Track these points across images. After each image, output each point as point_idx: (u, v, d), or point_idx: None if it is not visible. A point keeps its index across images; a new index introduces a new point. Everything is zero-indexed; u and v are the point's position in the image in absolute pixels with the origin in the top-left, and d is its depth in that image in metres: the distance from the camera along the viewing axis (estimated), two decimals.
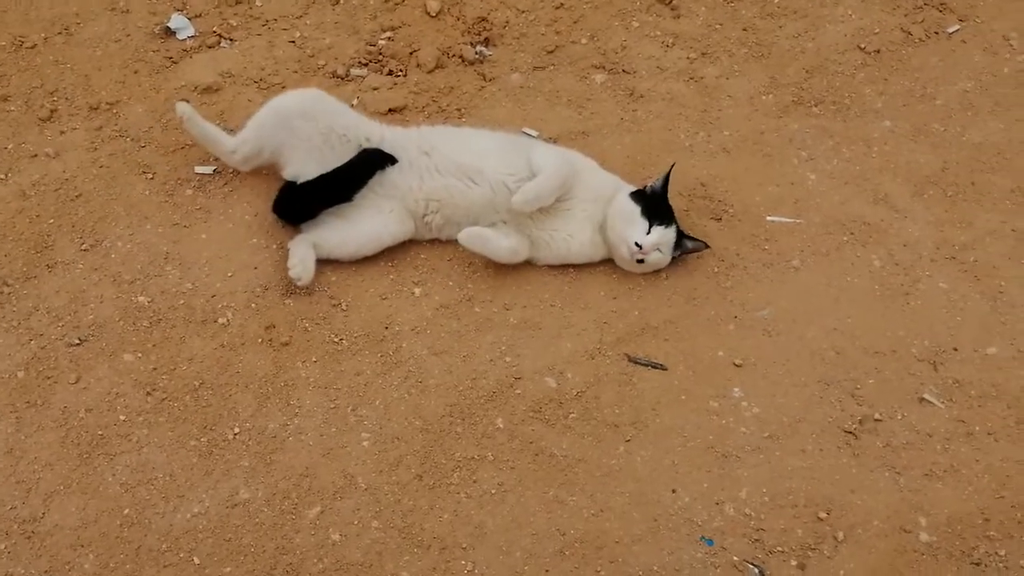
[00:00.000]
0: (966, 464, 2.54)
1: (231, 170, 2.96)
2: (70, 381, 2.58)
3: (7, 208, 2.85)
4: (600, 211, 2.81)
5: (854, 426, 2.59)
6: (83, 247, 2.80)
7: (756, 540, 2.41)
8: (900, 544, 2.41)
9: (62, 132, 3.01)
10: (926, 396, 2.64)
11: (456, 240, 2.79)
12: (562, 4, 3.36)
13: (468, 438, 2.55)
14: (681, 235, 2.80)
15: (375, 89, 3.15)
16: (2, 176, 2.91)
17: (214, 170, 2.96)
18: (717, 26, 3.37)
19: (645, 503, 2.47)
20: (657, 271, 2.83)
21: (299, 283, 2.71)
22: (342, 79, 3.17)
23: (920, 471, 2.52)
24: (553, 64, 3.27)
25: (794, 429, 2.58)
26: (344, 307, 2.74)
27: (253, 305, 2.73)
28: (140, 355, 2.64)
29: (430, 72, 3.20)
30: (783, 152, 3.11)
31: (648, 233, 2.74)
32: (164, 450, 2.50)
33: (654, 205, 2.76)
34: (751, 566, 2.38)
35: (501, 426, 2.57)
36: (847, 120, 3.18)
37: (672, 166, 2.80)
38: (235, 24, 3.26)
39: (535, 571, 2.37)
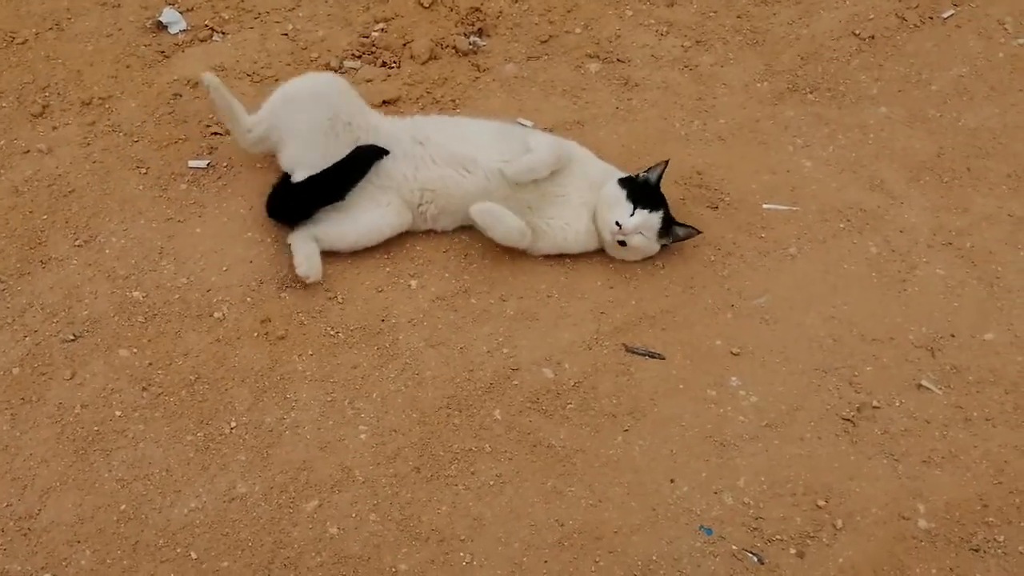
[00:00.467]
0: (964, 450, 2.53)
1: (225, 164, 2.95)
2: (65, 377, 2.57)
3: (0, 205, 2.84)
4: (596, 200, 2.81)
5: (852, 413, 2.58)
6: (77, 243, 2.79)
7: (755, 529, 2.41)
8: (899, 531, 2.41)
9: (54, 128, 3.00)
10: (924, 383, 2.64)
11: (450, 231, 2.79)
12: None
13: (466, 430, 2.54)
14: (671, 222, 2.79)
15: (368, 81, 3.14)
16: None
17: (208, 164, 2.95)
18: (711, 14, 3.35)
19: (643, 493, 2.46)
20: (653, 260, 2.82)
21: (308, 281, 2.70)
22: (335, 71, 3.15)
23: (918, 458, 2.52)
24: (547, 54, 3.26)
25: (792, 417, 2.58)
26: (340, 300, 2.74)
27: (248, 299, 2.72)
28: (135, 350, 2.63)
29: (424, 63, 3.19)
30: (778, 140, 3.10)
31: (631, 216, 2.73)
32: (160, 445, 2.49)
33: (641, 190, 2.76)
34: (750, 555, 2.38)
35: (499, 417, 2.56)
36: (842, 107, 3.17)
37: (666, 163, 2.80)
38: (227, 17, 3.24)
39: (534, 562, 2.36)
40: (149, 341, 2.65)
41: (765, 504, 2.45)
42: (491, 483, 2.47)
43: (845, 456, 2.52)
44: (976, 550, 2.38)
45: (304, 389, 2.59)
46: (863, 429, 2.56)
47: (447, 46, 3.23)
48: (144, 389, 2.57)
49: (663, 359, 2.68)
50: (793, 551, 2.39)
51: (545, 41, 3.27)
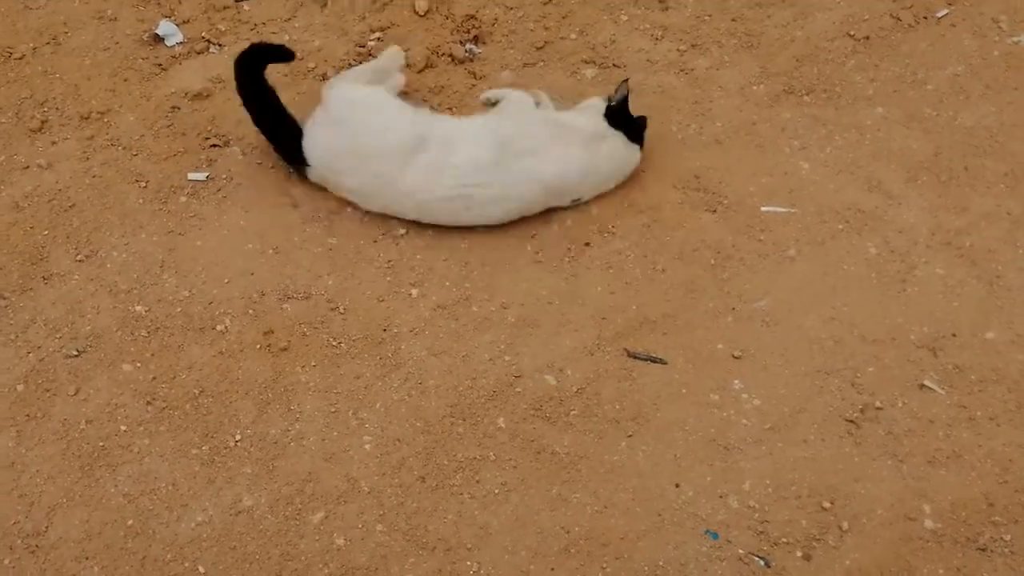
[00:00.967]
0: (968, 450, 2.54)
1: (224, 176, 2.95)
2: (69, 393, 2.58)
3: (0, 221, 2.84)
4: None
5: (855, 415, 2.59)
6: (78, 258, 2.80)
7: (761, 532, 2.42)
8: (905, 532, 2.42)
9: (53, 143, 3.00)
10: (926, 382, 2.64)
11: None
12: (550, 0, 3.35)
13: (470, 438, 2.55)
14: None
15: None
16: None
17: (207, 176, 2.95)
18: (706, 17, 3.36)
19: (649, 498, 2.47)
20: (652, 263, 2.82)
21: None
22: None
23: (923, 458, 2.53)
24: (543, 60, 3.26)
25: (795, 420, 2.59)
26: (342, 310, 2.74)
27: (251, 311, 2.73)
28: (139, 365, 2.63)
29: (420, 71, 3.19)
30: (776, 142, 3.10)
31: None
32: (166, 459, 2.50)
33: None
34: (756, 558, 2.39)
35: (502, 425, 2.57)
36: (839, 108, 3.17)
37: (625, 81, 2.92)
38: (223, 29, 3.25)
39: (541, 570, 2.37)
40: (152, 355, 2.65)
41: (770, 507, 2.46)
42: (496, 491, 2.47)
43: (849, 458, 2.53)
44: (983, 550, 2.39)
45: (308, 400, 2.59)
46: (867, 430, 2.57)
47: (443, 54, 3.23)
48: (148, 403, 2.57)
49: (665, 364, 2.68)
50: (799, 554, 2.39)
51: (541, 47, 3.28)
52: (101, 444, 2.51)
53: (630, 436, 2.56)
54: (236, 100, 3.06)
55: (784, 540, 2.41)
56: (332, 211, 2.91)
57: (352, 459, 2.51)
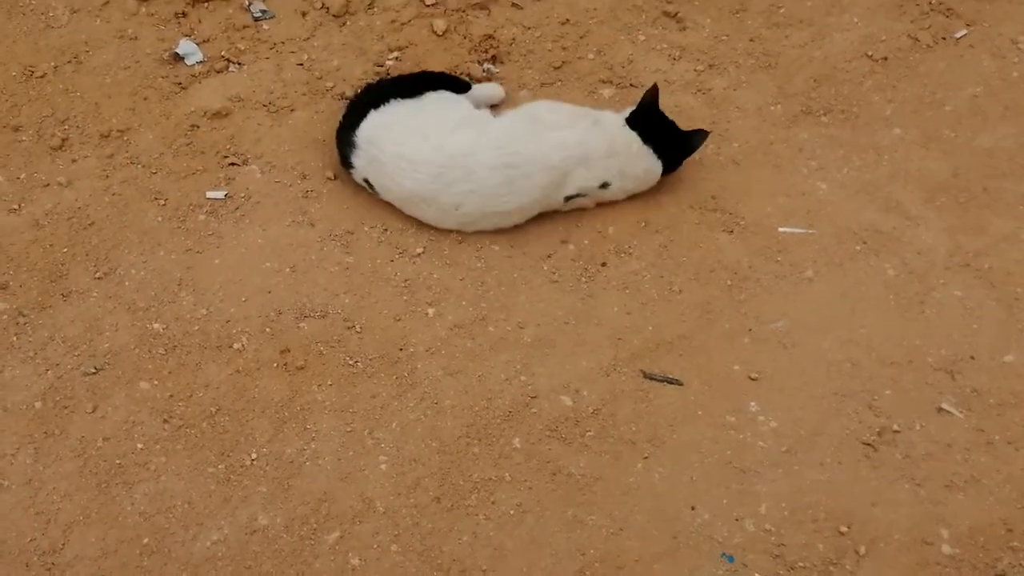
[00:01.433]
0: (987, 474, 2.52)
1: (242, 195, 2.97)
2: (87, 410, 2.59)
3: (21, 238, 2.86)
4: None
5: (872, 438, 2.58)
6: (97, 275, 2.81)
7: (777, 556, 2.41)
8: (922, 557, 2.40)
9: (74, 161, 3.03)
10: (944, 406, 2.63)
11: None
12: (568, 20, 3.36)
13: (485, 459, 2.55)
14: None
15: None
16: (15, 206, 2.92)
17: (225, 195, 2.97)
18: (723, 37, 3.36)
19: (664, 520, 2.46)
20: (669, 284, 2.82)
21: None
22: (349, 100, 3.17)
23: (940, 482, 2.51)
24: (561, 80, 3.27)
25: (812, 442, 2.57)
26: (358, 329, 2.75)
27: (268, 329, 2.74)
28: (156, 382, 2.64)
29: None
30: (793, 162, 3.10)
31: None
32: (182, 478, 2.50)
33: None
34: None
35: (518, 446, 2.57)
36: (856, 128, 3.17)
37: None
38: (243, 48, 3.27)
39: None
40: (170, 373, 2.66)
41: (787, 531, 2.44)
42: (511, 512, 2.47)
43: (867, 481, 2.51)
44: (1001, 575, 2.37)
45: (324, 419, 2.60)
46: (884, 454, 2.55)
47: (461, 73, 3.24)
48: (165, 421, 2.58)
49: (681, 385, 2.68)
50: None
51: (558, 67, 3.29)
52: (118, 462, 2.52)
53: (646, 458, 2.55)
54: (254, 118, 3.09)
55: (801, 564, 2.40)
56: (349, 230, 2.92)
57: (367, 479, 2.51)
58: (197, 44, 3.27)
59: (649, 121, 2.95)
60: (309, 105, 3.16)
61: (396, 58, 3.27)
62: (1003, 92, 3.23)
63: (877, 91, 3.25)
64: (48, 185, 2.97)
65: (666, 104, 3.18)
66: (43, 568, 2.37)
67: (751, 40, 3.36)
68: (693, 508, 2.48)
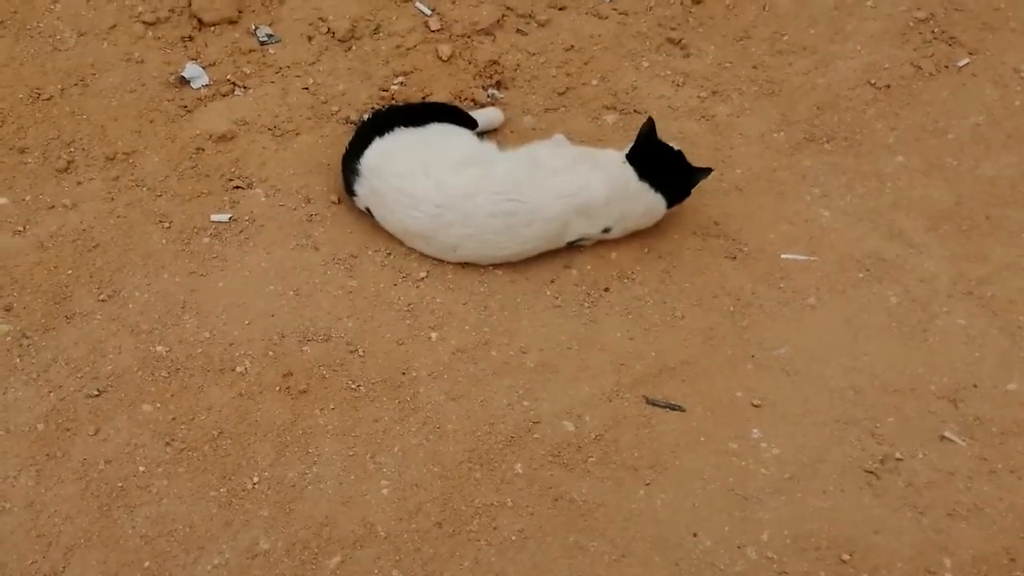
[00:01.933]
0: (990, 503, 2.52)
1: (247, 218, 2.98)
2: (89, 433, 2.59)
3: (25, 260, 2.87)
4: None
5: (875, 466, 2.57)
6: (101, 297, 2.82)
7: None
8: None
9: (79, 183, 3.04)
10: (947, 434, 2.63)
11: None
12: (572, 46, 3.38)
13: (487, 484, 2.54)
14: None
15: None
16: (20, 228, 2.93)
17: (230, 218, 2.98)
18: (727, 64, 3.38)
19: (666, 547, 2.45)
20: (672, 310, 2.82)
21: None
22: (356, 125, 3.18)
23: (943, 510, 2.51)
24: (564, 105, 3.28)
25: (815, 470, 2.57)
26: (361, 353, 2.75)
27: (271, 353, 2.74)
28: (159, 405, 2.64)
29: None
30: (796, 189, 3.11)
31: None
32: (184, 501, 2.50)
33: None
34: None
35: (520, 471, 2.57)
36: (859, 156, 3.18)
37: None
38: (248, 72, 3.28)
39: None
40: (172, 396, 2.66)
41: (789, 559, 2.44)
42: (513, 538, 2.46)
43: (869, 509, 2.51)
44: None
45: (326, 443, 2.60)
46: (887, 481, 2.55)
47: (466, 99, 3.26)
48: (167, 444, 2.58)
49: (684, 411, 2.68)
50: None
51: (562, 93, 3.30)
52: (120, 484, 2.52)
53: (648, 484, 2.55)
54: (259, 142, 3.11)
55: None
56: (353, 254, 2.92)
57: (369, 503, 2.51)
58: (203, 68, 3.29)
59: (647, 156, 2.91)
60: (314, 129, 3.17)
61: (401, 83, 3.29)
62: (1005, 121, 3.24)
63: (880, 119, 3.26)
64: (53, 207, 2.98)
65: (670, 130, 3.21)
66: None
67: (754, 67, 3.38)
68: (695, 535, 2.47)
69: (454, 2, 3.41)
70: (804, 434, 2.63)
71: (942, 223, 3.03)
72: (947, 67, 3.37)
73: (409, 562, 2.43)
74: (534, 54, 3.37)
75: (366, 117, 3.11)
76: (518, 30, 3.41)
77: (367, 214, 2.94)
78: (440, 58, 3.34)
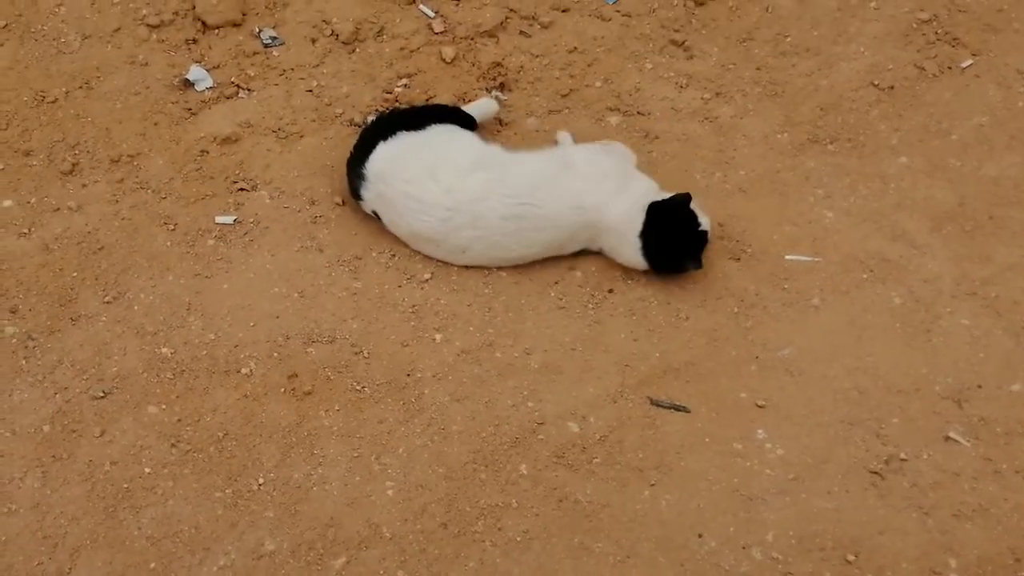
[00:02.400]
0: (995, 503, 2.52)
1: (251, 220, 2.99)
2: (95, 434, 2.59)
3: (31, 262, 2.88)
4: None
5: (880, 466, 2.58)
6: (106, 299, 2.83)
7: None
8: None
9: (84, 185, 3.04)
10: (951, 434, 2.63)
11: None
12: (576, 48, 3.38)
13: (492, 485, 2.55)
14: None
15: None
16: (25, 230, 2.94)
17: (234, 220, 2.99)
18: (731, 66, 3.38)
19: (671, 548, 2.46)
20: (676, 311, 2.83)
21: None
22: (360, 127, 3.19)
23: (948, 511, 2.51)
24: (568, 107, 3.29)
25: (819, 470, 2.57)
26: (366, 355, 2.75)
27: (276, 354, 2.75)
28: (164, 407, 2.65)
29: None
30: (800, 190, 3.11)
31: None
32: (189, 502, 2.50)
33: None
34: None
35: (525, 472, 2.57)
36: (863, 157, 3.18)
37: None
38: (253, 74, 3.29)
39: None
40: (177, 397, 2.67)
41: (794, 559, 2.44)
42: (518, 539, 2.47)
43: (874, 510, 2.51)
44: None
45: (331, 445, 2.60)
46: (891, 482, 2.55)
47: (469, 101, 3.26)
48: (173, 446, 2.59)
49: (688, 412, 2.68)
50: None
51: (566, 95, 3.31)
52: (125, 486, 2.52)
53: (653, 485, 2.55)
54: (263, 144, 3.11)
55: None
56: (357, 255, 2.93)
57: (374, 504, 2.51)
58: (207, 70, 3.29)
59: (661, 220, 2.85)
60: (318, 131, 3.18)
61: (405, 85, 3.29)
62: (1009, 121, 3.24)
63: (883, 120, 3.26)
64: (58, 209, 2.99)
65: (673, 131, 3.21)
66: None
67: (758, 69, 3.38)
68: (700, 536, 2.48)
69: (458, 4, 3.42)
70: (808, 435, 2.63)
71: (946, 224, 3.03)
72: (950, 68, 3.37)
73: (414, 563, 2.43)
74: (537, 56, 3.37)
75: (370, 120, 3.11)
76: (521, 32, 3.42)
77: (374, 217, 2.94)
78: (444, 60, 3.34)
